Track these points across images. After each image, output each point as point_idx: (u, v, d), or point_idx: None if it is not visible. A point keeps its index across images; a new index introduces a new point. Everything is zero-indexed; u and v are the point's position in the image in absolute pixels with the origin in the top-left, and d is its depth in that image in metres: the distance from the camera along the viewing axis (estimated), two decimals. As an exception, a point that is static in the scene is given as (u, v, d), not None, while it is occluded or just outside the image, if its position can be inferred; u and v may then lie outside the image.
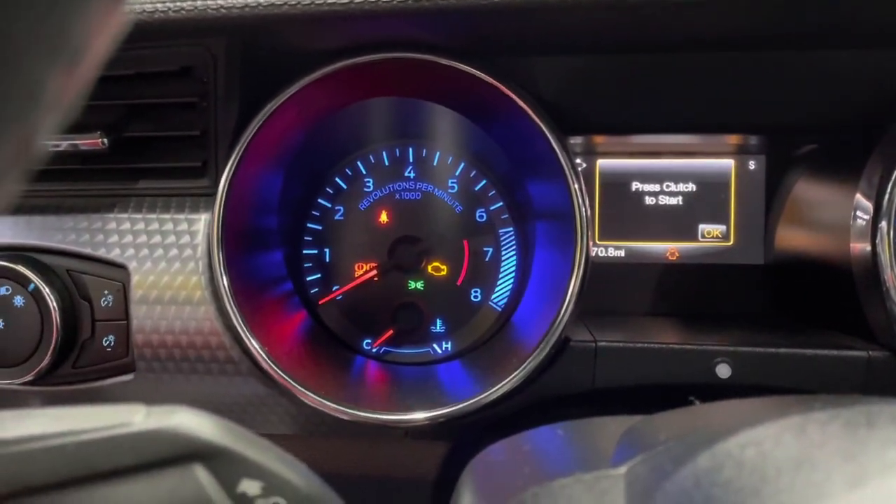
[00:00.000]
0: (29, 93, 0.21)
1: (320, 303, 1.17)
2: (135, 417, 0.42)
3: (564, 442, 0.61)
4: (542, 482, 0.48)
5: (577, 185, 0.90)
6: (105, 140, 0.91)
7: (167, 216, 0.94)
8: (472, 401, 0.88)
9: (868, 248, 0.87)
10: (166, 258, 0.92)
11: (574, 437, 0.61)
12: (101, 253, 0.93)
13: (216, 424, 0.44)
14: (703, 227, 1.17)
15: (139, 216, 0.94)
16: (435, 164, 1.16)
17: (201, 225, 0.93)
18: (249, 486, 0.42)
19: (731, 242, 1.17)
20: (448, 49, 0.89)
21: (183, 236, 0.93)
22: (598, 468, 0.49)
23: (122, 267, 0.93)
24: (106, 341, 0.93)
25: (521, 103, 0.89)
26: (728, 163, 1.17)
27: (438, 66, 0.89)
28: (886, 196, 0.86)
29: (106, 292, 0.93)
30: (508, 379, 0.88)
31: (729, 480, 0.37)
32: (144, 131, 0.93)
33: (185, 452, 0.42)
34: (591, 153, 1.18)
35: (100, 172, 0.96)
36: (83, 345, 0.93)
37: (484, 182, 1.16)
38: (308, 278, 1.18)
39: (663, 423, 0.56)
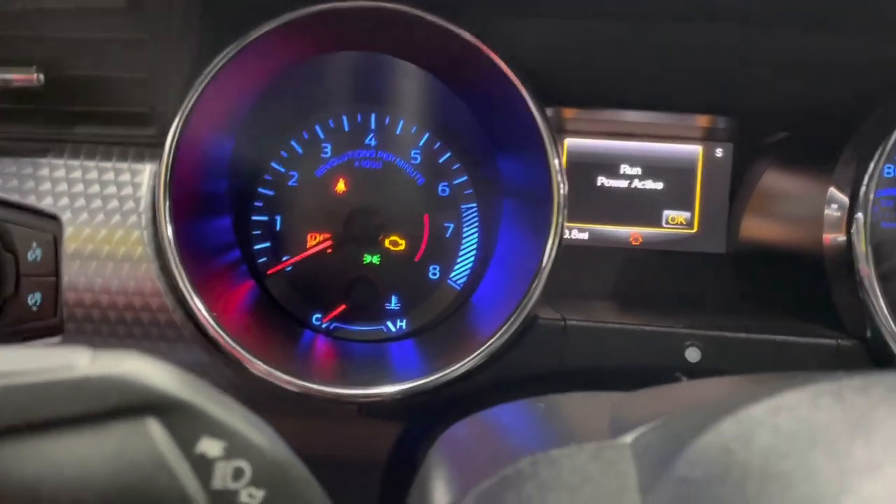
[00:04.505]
0: None
1: (268, 273, 1.11)
2: (78, 361, 0.36)
3: (548, 415, 0.57)
4: (536, 452, 0.44)
5: (556, 161, 0.87)
6: (41, 77, 0.83)
7: (108, 165, 0.86)
8: (436, 376, 0.83)
9: (842, 238, 0.86)
10: (105, 210, 0.84)
11: (558, 410, 0.57)
12: (30, 201, 0.84)
13: (174, 374, 0.38)
14: (668, 214, 1.16)
15: (76, 163, 0.86)
16: (398, 132, 1.11)
17: (146, 176, 0.85)
18: (210, 447, 0.37)
19: (694, 230, 1.16)
20: (428, 2, 0.84)
21: (125, 187, 0.85)
22: (596, 439, 0.45)
23: (53, 218, 0.85)
24: (31, 299, 0.84)
25: (503, 68, 0.85)
26: (695, 149, 1.15)
27: (416, 20, 0.84)
28: (863, 188, 0.86)
29: (34, 245, 0.84)
30: (475, 354, 0.84)
31: (769, 446, 0.33)
32: (86, 70, 0.85)
33: (136, 403, 0.36)
34: (559, 130, 1.15)
35: (33, 113, 0.87)
36: (5, 302, 0.84)
37: (448, 154, 1.11)
38: (256, 247, 1.11)
39: (658, 396, 0.53)
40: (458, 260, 1.12)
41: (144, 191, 0.85)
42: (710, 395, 0.49)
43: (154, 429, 0.36)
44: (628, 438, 0.42)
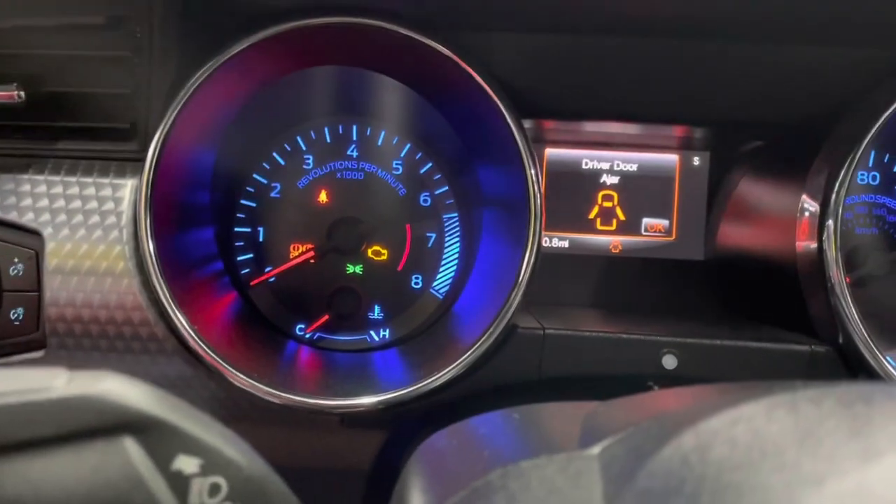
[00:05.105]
0: None
1: (252, 284, 1.11)
2: (55, 382, 0.37)
3: (522, 426, 0.58)
4: (506, 464, 0.45)
5: (533, 171, 0.88)
6: (21, 93, 0.83)
7: (89, 180, 0.86)
8: (416, 386, 0.84)
9: (814, 245, 0.88)
10: (86, 225, 0.85)
11: (532, 420, 0.58)
12: (11, 217, 0.85)
13: (149, 393, 0.39)
14: (647, 222, 1.17)
15: (57, 179, 0.86)
16: (379, 143, 1.12)
17: (127, 191, 0.86)
18: (186, 464, 0.38)
19: (673, 237, 1.17)
20: (405, 18, 0.85)
21: (106, 202, 0.85)
22: (565, 450, 0.46)
23: (35, 233, 0.85)
24: (14, 314, 0.84)
25: (480, 81, 0.86)
26: (673, 158, 1.17)
27: (394, 35, 0.85)
28: (833, 196, 0.87)
29: (16, 260, 0.84)
30: (454, 365, 0.85)
31: (723, 458, 0.34)
32: (67, 86, 0.86)
33: (112, 423, 0.37)
34: (539, 141, 1.16)
35: (14, 129, 0.88)
36: (-13, 317, 0.85)
37: (430, 165, 1.12)
38: (239, 258, 1.12)
39: (628, 406, 0.54)
40: (441, 269, 1.13)
41: (126, 205, 0.85)
42: (677, 406, 0.50)
43: (130, 447, 0.37)
44: (595, 450, 0.43)
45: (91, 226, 0.85)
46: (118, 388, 0.37)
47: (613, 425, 0.47)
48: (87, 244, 0.84)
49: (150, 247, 0.83)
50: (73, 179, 0.86)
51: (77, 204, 0.85)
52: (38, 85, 0.85)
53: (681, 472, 0.36)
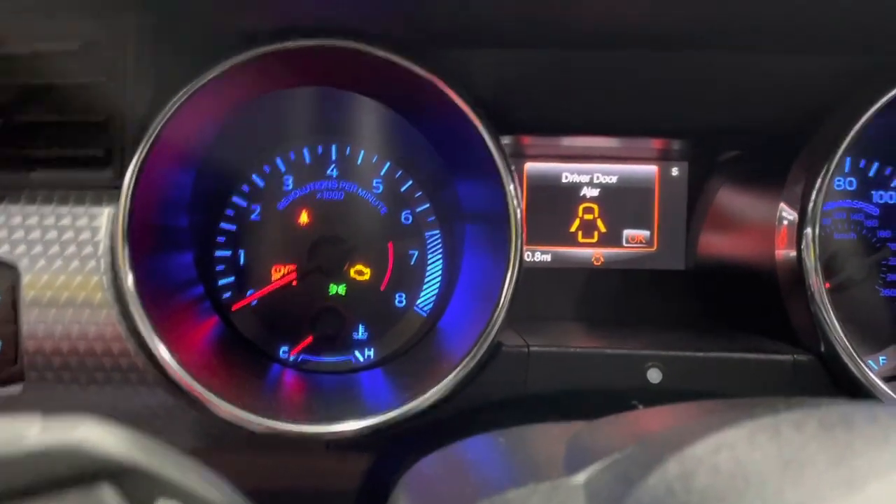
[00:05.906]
0: None
1: (233, 308, 1.10)
2: (28, 431, 0.36)
3: (507, 450, 0.57)
4: (493, 493, 0.45)
5: (512, 187, 0.88)
6: (-6, 124, 0.82)
7: (65, 210, 0.85)
8: (402, 410, 0.83)
9: (793, 254, 0.88)
10: (63, 256, 0.84)
11: (517, 445, 0.58)
12: (-14, 250, 0.84)
13: (126, 438, 0.38)
14: (628, 233, 1.18)
15: (32, 209, 0.85)
16: (359, 163, 1.12)
17: (104, 220, 0.85)
18: (166, 508, 0.37)
19: (654, 248, 1.18)
20: (381, 39, 0.85)
21: (83, 232, 0.84)
22: (551, 477, 0.45)
23: (11, 266, 0.84)
24: (-9, 348, 0.83)
25: (456, 100, 0.86)
26: (652, 169, 1.17)
27: (371, 56, 0.84)
28: (811, 204, 0.87)
29: (-8, 293, 0.83)
30: (440, 386, 0.84)
31: (706, 487, 0.34)
32: (40, 115, 0.85)
33: (90, 471, 0.36)
34: (518, 155, 1.16)
35: (-13, 160, 0.86)
36: (-36, 352, 0.83)
37: (410, 183, 1.12)
38: (220, 282, 1.11)
39: (612, 428, 0.54)
40: (424, 287, 1.12)
41: (103, 235, 0.84)
42: (661, 429, 0.50)
43: (108, 494, 0.36)
44: (581, 478, 0.43)
45: (68, 256, 0.84)
46: (93, 435, 0.37)
47: (598, 449, 0.47)
48: (65, 275, 0.83)
49: (128, 276, 0.82)
50: (48, 209, 0.85)
51: (53, 234, 0.84)
52: (11, 114, 0.84)
53: (665, 501, 0.35)
